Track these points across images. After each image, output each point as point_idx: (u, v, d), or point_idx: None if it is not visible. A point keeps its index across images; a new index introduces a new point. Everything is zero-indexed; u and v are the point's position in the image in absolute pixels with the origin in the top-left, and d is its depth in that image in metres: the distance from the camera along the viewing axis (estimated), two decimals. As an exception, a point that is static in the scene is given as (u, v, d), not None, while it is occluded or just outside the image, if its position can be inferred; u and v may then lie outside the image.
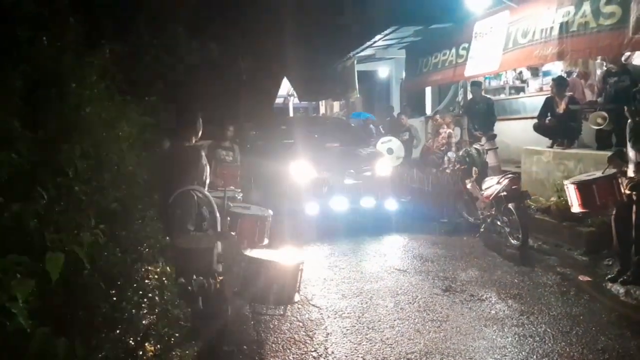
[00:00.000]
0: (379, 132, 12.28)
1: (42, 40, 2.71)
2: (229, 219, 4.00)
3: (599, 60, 8.11)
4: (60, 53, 2.82)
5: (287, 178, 7.64)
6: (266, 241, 4.24)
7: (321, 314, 4.52)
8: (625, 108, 5.22)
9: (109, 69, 3.51)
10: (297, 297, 3.48)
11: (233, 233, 3.57)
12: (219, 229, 3.49)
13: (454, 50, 9.67)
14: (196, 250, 3.15)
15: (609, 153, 6.44)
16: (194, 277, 2.91)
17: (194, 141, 4.81)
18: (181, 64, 8.33)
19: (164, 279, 3.22)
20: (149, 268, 2.89)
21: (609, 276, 5.06)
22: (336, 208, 7.43)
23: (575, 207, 5.17)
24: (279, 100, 21.18)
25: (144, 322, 2.65)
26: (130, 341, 2.37)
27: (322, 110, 21.87)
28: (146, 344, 2.54)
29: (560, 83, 7.69)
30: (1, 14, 2.50)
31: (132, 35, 6.30)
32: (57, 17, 2.89)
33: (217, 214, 3.52)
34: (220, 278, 3.06)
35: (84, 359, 1.81)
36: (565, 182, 5.43)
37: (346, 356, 3.71)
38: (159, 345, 3.12)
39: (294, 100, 21.57)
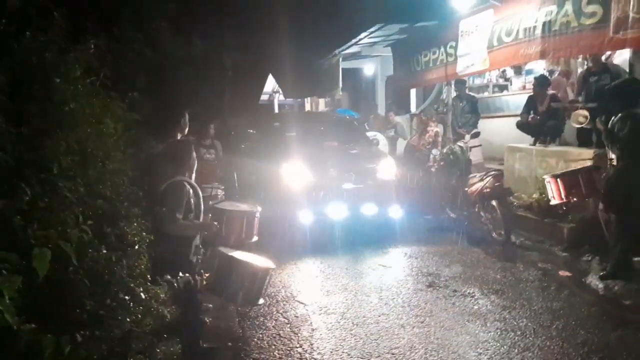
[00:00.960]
0: (364, 129, 12.32)
1: (26, 35, 2.68)
2: (210, 215, 4.05)
3: (580, 59, 8.24)
4: (44, 48, 2.79)
5: (279, 181, 6.91)
6: (255, 238, 4.26)
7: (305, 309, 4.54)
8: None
9: (94, 64, 3.47)
10: (261, 300, 3.48)
11: (216, 222, 3.63)
12: (201, 219, 3.59)
13: (442, 49, 9.72)
14: (177, 239, 3.20)
15: (589, 151, 6.59)
16: (180, 274, 2.93)
17: (179, 137, 4.84)
18: (165, 60, 8.27)
19: (148, 275, 3.23)
20: (134, 265, 2.88)
21: (601, 273, 5.13)
22: (333, 216, 6.62)
23: (555, 200, 5.38)
24: (264, 97, 21.10)
25: (128, 319, 2.65)
26: (116, 338, 2.37)
27: (307, 107, 21.86)
28: (131, 341, 2.53)
29: (542, 82, 7.81)
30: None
31: (115, 30, 6.24)
32: (40, 12, 2.86)
33: (202, 207, 3.61)
34: (207, 275, 3.08)
35: (70, 355, 1.81)
36: (545, 176, 5.63)
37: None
38: (145, 343, 3.12)
39: (279, 97, 21.51)
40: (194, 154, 3.69)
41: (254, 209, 4.37)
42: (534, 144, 7.76)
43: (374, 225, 6.90)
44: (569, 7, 6.35)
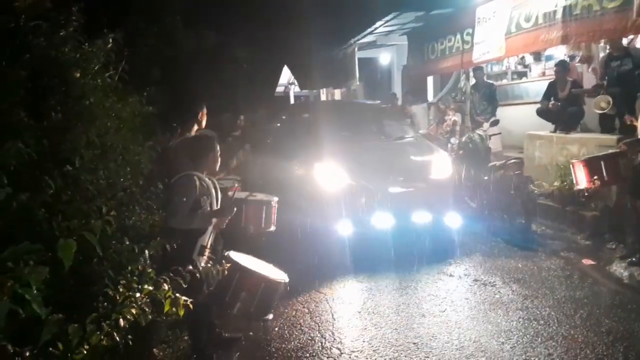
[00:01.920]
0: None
1: (45, 29, 2.70)
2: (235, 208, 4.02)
3: (602, 44, 8.05)
4: (63, 43, 2.82)
5: (311, 185, 5.82)
6: (273, 228, 4.28)
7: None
8: None
9: (112, 59, 3.50)
10: (270, 316, 3.37)
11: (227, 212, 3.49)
12: (213, 220, 3.43)
13: (459, 36, 9.58)
14: (181, 234, 3.10)
15: (612, 137, 6.45)
16: (202, 264, 2.94)
17: (194, 131, 4.85)
18: (180, 54, 8.31)
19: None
20: (156, 256, 2.91)
21: (627, 260, 5.05)
22: (378, 227, 5.50)
23: (581, 185, 5.34)
24: (279, 89, 21.11)
25: (150, 309, 2.68)
26: (141, 328, 2.40)
27: (323, 98, 21.80)
28: (155, 331, 2.57)
29: (563, 67, 7.66)
30: (4, 4, 2.49)
31: (130, 24, 6.28)
32: (59, 7, 2.88)
33: (216, 205, 3.49)
34: (228, 265, 3.09)
35: (95, 344, 1.83)
36: (574, 160, 5.59)
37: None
38: (168, 332, 3.16)
39: (294, 89, 21.50)
40: (216, 151, 3.58)
41: (271, 198, 4.38)
42: (555, 131, 7.62)
43: (428, 236, 5.77)
44: (590, -11, 6.19)
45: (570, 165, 5.63)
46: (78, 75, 2.86)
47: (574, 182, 5.60)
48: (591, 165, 5.28)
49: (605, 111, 6.72)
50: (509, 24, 7.87)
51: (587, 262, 5.30)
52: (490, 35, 8.37)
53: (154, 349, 3.05)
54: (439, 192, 5.89)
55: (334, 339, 3.78)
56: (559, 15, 6.73)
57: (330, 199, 5.59)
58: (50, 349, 1.77)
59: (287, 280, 3.40)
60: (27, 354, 1.67)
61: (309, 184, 5.84)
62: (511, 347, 3.55)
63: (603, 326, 3.81)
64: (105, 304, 2.24)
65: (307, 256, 5.38)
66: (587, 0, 6.24)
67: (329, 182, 5.68)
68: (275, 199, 4.43)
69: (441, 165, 6.18)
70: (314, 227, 5.64)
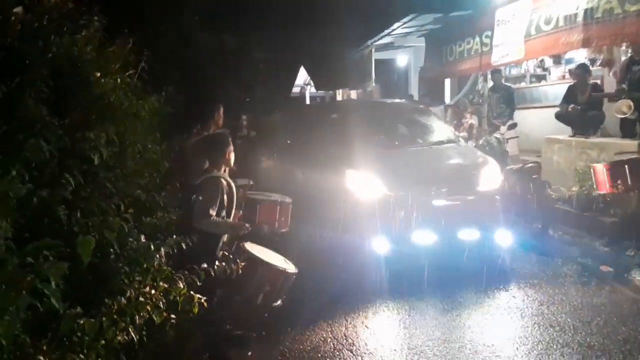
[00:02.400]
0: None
1: (68, 29, 2.75)
2: (242, 208, 4.09)
3: (623, 48, 7.93)
4: (85, 43, 2.87)
5: (341, 195, 5.16)
6: (287, 229, 4.31)
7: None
8: None
9: (131, 59, 3.56)
10: (279, 302, 3.47)
11: (247, 225, 3.62)
12: (231, 218, 3.59)
13: (477, 39, 9.52)
14: (207, 234, 3.23)
15: (633, 142, 6.35)
16: (217, 263, 2.97)
17: (214, 131, 4.91)
18: (198, 55, 8.39)
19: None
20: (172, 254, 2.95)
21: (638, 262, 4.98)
22: (419, 245, 4.83)
23: (604, 188, 5.27)
24: (295, 90, 21.16)
25: (165, 307, 2.71)
26: (155, 324, 2.43)
27: (339, 99, 21.81)
28: (169, 327, 2.60)
29: (584, 70, 7.57)
30: (28, 4, 2.55)
31: (148, 26, 6.37)
32: (80, 7, 2.94)
33: (234, 204, 3.62)
34: (243, 264, 3.12)
35: (112, 339, 1.86)
36: (597, 164, 5.52)
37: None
38: (183, 329, 3.19)
39: (310, 90, 21.53)
40: (231, 146, 3.70)
41: (286, 199, 4.40)
42: (574, 136, 7.52)
43: (475, 257, 5.04)
44: (611, -8, 6.11)
45: (591, 169, 5.55)
46: (98, 74, 2.91)
47: (595, 186, 5.52)
48: (615, 169, 5.21)
49: (626, 115, 6.61)
50: (528, 26, 7.80)
51: (605, 268, 5.21)
52: (510, 37, 8.30)
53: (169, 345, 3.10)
54: (488, 206, 5.17)
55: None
56: (579, 18, 6.64)
57: (364, 212, 4.91)
58: (67, 342, 1.80)
59: (296, 271, 3.56)
60: (45, 347, 1.71)
61: (340, 194, 5.15)
62: (526, 354, 3.51)
63: (620, 334, 3.74)
64: (122, 300, 2.27)
65: (337, 276, 4.77)
66: (609, 3, 6.15)
67: (362, 193, 5.04)
68: (289, 199, 4.44)
69: (490, 174, 5.41)
70: (346, 243, 4.98)
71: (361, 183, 5.10)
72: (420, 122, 6.74)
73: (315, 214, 5.26)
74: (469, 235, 4.92)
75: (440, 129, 6.59)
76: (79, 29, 2.88)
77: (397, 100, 9.35)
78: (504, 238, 5.18)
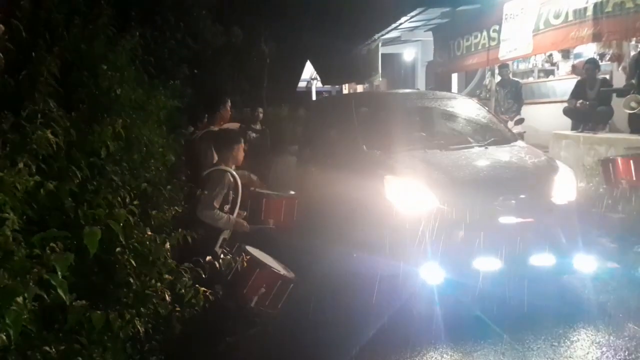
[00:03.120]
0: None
1: (76, 23, 2.76)
2: (249, 201, 4.10)
3: (633, 42, 7.85)
4: (93, 36, 2.88)
5: (379, 208, 4.17)
6: (294, 223, 4.31)
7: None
8: None
9: (139, 52, 3.57)
10: (275, 311, 3.37)
11: (248, 225, 3.62)
12: (235, 215, 3.60)
13: (485, 33, 9.45)
14: (208, 227, 3.24)
15: (642, 137, 6.30)
16: (222, 255, 2.99)
17: (222, 125, 4.92)
18: (206, 48, 8.39)
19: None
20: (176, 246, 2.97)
21: None
22: (481, 273, 3.82)
23: (612, 182, 5.25)
24: (301, 84, 21.15)
25: (169, 299, 2.74)
26: (160, 317, 2.45)
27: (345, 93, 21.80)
28: (175, 320, 2.62)
29: (594, 65, 7.51)
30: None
31: (158, 19, 6.37)
32: (89, 1, 2.95)
33: (239, 200, 3.63)
34: (248, 257, 3.13)
35: (118, 332, 1.88)
36: (604, 158, 5.48)
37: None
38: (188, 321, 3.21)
39: (316, 84, 21.52)
40: (241, 144, 3.69)
41: (291, 194, 4.40)
42: (582, 131, 7.47)
43: (552, 288, 4.12)
44: (622, -14, 6.05)
45: (600, 164, 5.52)
46: (106, 67, 2.92)
47: (603, 181, 5.49)
48: (625, 164, 5.19)
49: (635, 111, 6.55)
50: (537, 20, 7.73)
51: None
52: (518, 32, 8.23)
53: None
54: (566, 223, 4.22)
55: None
56: (589, 12, 6.58)
57: (409, 230, 3.88)
58: (74, 334, 1.82)
59: (294, 277, 3.46)
60: (52, 338, 1.73)
61: (377, 206, 4.17)
62: (531, 349, 3.46)
63: (626, 330, 3.72)
64: (128, 292, 2.30)
65: (372, 312, 3.75)
66: (620, -3, 6.09)
67: (407, 205, 4.04)
68: (294, 194, 4.45)
69: (565, 183, 4.43)
70: (385, 269, 3.95)
71: (405, 193, 4.09)
72: (468, 116, 5.55)
73: (343, 229, 4.38)
74: (543, 260, 3.94)
75: (493, 125, 5.40)
76: (87, 22, 2.89)
77: (438, 92, 7.70)
78: (585, 263, 4.12)
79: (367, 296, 3.90)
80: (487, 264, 3.83)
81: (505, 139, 5.12)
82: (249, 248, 3.40)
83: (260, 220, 3.99)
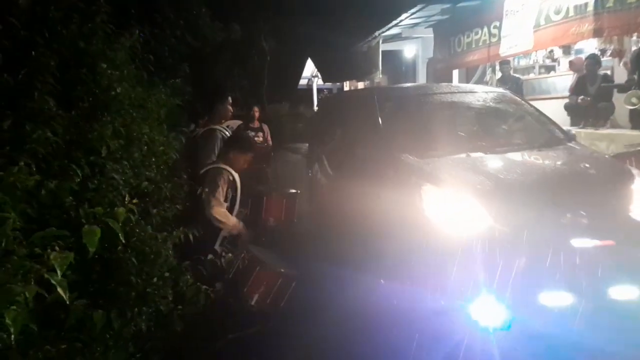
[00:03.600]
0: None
1: (74, 20, 2.75)
2: (250, 200, 4.09)
3: (634, 38, 7.83)
4: (92, 33, 2.87)
5: (413, 226, 3.36)
6: (294, 221, 4.31)
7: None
8: None
9: (138, 50, 3.56)
10: (277, 309, 3.27)
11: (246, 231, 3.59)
12: (234, 214, 3.60)
13: (486, 29, 9.44)
14: (208, 225, 3.23)
15: (643, 133, 6.27)
16: (223, 254, 2.99)
17: (223, 123, 4.91)
18: (206, 45, 8.37)
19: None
20: (177, 244, 2.96)
21: None
22: (550, 311, 2.98)
23: None
24: (302, 82, 21.13)
25: (172, 298, 2.74)
26: (161, 315, 2.45)
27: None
28: (176, 318, 2.61)
29: (594, 61, 7.48)
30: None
31: (157, 16, 6.35)
32: (87, -2, 2.93)
33: (238, 199, 3.63)
34: (249, 256, 3.13)
35: (119, 330, 1.87)
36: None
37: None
38: (190, 319, 3.21)
39: (317, 82, 21.50)
40: (249, 154, 3.68)
41: (292, 191, 4.40)
42: (583, 127, 7.45)
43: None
44: (623, -19, 6.03)
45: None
46: (105, 66, 2.90)
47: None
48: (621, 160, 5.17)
49: (635, 107, 6.53)
50: (537, 16, 7.71)
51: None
52: (519, 28, 8.21)
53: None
54: None
55: None
56: (590, 7, 6.57)
57: (455, 254, 3.01)
58: (76, 333, 1.82)
59: (296, 275, 3.37)
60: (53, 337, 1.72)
61: (411, 224, 3.34)
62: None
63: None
64: (130, 291, 2.29)
65: None
66: (621, -8, 6.07)
67: (451, 222, 3.22)
68: (296, 191, 4.43)
69: None
70: (424, 303, 3.06)
71: (449, 206, 3.27)
72: (510, 112, 4.75)
73: (369, 249, 3.53)
74: (627, 293, 3.03)
75: (541, 123, 4.60)
76: (85, 20, 2.87)
77: (474, 84, 6.71)
78: None
79: (402, 334, 2.95)
80: (558, 300, 2.98)
81: (557, 138, 4.36)
82: (251, 246, 3.39)
83: (261, 220, 3.98)
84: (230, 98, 5.08)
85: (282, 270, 3.30)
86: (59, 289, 1.40)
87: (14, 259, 1.45)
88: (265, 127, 7.73)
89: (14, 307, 1.31)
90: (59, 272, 1.42)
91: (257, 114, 7.71)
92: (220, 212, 3.43)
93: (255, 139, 7.13)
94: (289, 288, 3.33)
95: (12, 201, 1.83)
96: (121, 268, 2.27)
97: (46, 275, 1.41)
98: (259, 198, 4.07)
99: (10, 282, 1.37)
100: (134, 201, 2.04)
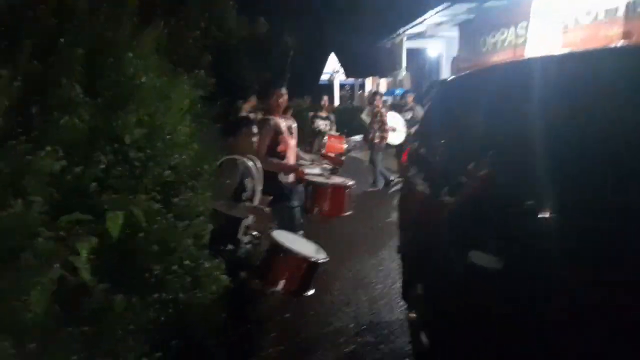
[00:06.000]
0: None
1: (102, 9, 2.79)
2: (310, 188, 4.04)
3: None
4: (118, 23, 2.91)
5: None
6: (347, 212, 4.24)
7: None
8: None
9: (163, 41, 3.59)
10: (310, 292, 3.28)
11: (267, 209, 3.54)
12: (256, 202, 3.52)
13: (512, 29, 9.29)
14: (227, 216, 3.19)
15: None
16: (241, 245, 3.00)
17: (245, 113, 4.89)
18: (231, 38, 8.41)
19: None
20: (200, 234, 2.99)
21: None
22: None
23: None
24: (324, 77, 21.12)
25: (187, 285, 2.76)
26: (180, 302, 2.48)
27: (368, 87, 21.67)
28: (194, 307, 2.64)
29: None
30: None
31: (182, 8, 6.39)
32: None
33: (259, 188, 3.56)
34: (272, 244, 3.12)
35: (140, 314, 1.91)
36: None
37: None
38: (207, 309, 3.25)
39: (339, 77, 21.47)
40: (247, 133, 3.59)
41: (347, 182, 4.29)
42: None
43: None
44: (656, -16, 5.88)
45: None
46: (131, 55, 2.94)
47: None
48: None
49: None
50: (566, 18, 7.57)
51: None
52: (546, 29, 8.07)
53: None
54: None
55: None
56: (621, 12, 6.43)
57: None
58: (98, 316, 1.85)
59: (327, 258, 3.42)
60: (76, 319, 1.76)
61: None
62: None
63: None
64: (150, 277, 2.32)
65: None
66: (654, -5, 5.93)
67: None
68: (351, 182, 4.34)
69: None
70: None
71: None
72: None
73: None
74: None
75: None
76: (113, 9, 2.92)
77: None
78: None
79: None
80: None
81: None
82: (275, 232, 3.37)
83: (306, 209, 4.00)
84: (283, 89, 4.45)
85: (306, 254, 3.28)
86: (82, 272, 1.43)
87: (39, 240, 1.49)
88: (332, 116, 7.84)
89: (39, 287, 1.34)
90: (83, 255, 1.44)
91: (326, 104, 7.83)
92: (223, 206, 3.35)
93: (323, 127, 7.22)
94: (315, 272, 3.32)
95: (38, 185, 1.87)
96: (143, 255, 2.31)
97: (70, 259, 1.43)
98: (314, 189, 4.05)
99: (35, 264, 1.41)
100: (157, 188, 2.07)
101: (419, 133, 3.94)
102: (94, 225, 1.90)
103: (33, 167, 1.86)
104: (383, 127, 8.18)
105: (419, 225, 3.13)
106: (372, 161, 8.44)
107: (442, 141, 3.16)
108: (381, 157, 8.37)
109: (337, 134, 7.19)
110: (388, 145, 8.42)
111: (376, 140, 8.21)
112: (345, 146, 6.52)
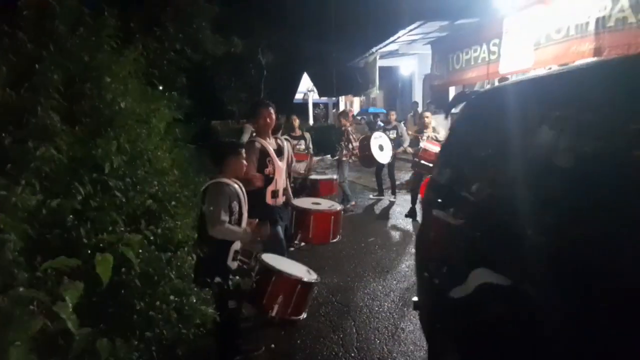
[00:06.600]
0: (379, 127, 11.97)
1: (80, 34, 2.68)
2: (294, 213, 3.97)
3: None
4: (97, 47, 2.80)
5: None
6: (334, 239, 4.20)
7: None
8: None
9: (142, 64, 3.49)
10: (302, 315, 3.33)
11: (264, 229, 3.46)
12: (243, 224, 3.44)
13: (485, 47, 9.46)
14: (217, 242, 3.09)
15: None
16: (231, 276, 2.89)
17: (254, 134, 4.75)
18: (206, 59, 8.33)
19: (192, 275, 3.20)
20: (183, 266, 2.86)
21: None
22: None
23: None
24: (298, 96, 21.15)
25: (174, 321, 2.62)
26: (165, 340, 2.34)
27: (342, 106, 21.77)
28: (179, 344, 2.50)
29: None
30: (41, 8, 2.47)
31: (158, 29, 6.30)
32: (93, 12, 2.87)
33: (245, 210, 3.48)
34: (257, 276, 3.03)
35: (125, 357, 1.77)
36: None
37: None
38: (194, 345, 3.10)
39: (313, 96, 21.54)
40: (238, 158, 3.53)
41: (334, 207, 4.27)
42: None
43: None
44: (624, 2, 6.04)
45: None
46: (109, 79, 2.83)
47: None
48: None
49: None
50: (538, 35, 7.74)
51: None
52: (518, 46, 8.24)
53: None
54: None
55: None
56: (591, 27, 6.58)
57: None
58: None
59: (318, 279, 3.35)
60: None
61: None
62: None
63: None
64: (132, 314, 2.19)
65: None
66: (622, 12, 6.09)
67: None
68: (339, 207, 4.34)
69: None
70: None
71: None
72: None
73: None
74: None
75: None
76: (91, 33, 2.81)
77: None
78: None
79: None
80: None
81: None
82: (264, 256, 3.29)
83: (296, 234, 3.93)
84: (270, 107, 3.91)
85: (299, 276, 3.21)
86: (69, 323, 1.31)
87: (17, 290, 1.36)
88: (307, 135, 7.71)
89: (18, 342, 1.21)
90: (69, 304, 1.32)
91: (296, 122, 7.72)
92: (223, 229, 3.27)
93: (297, 147, 7.11)
94: (310, 293, 3.26)
95: (13, 222, 1.74)
96: (124, 291, 2.18)
97: (55, 309, 1.31)
98: (300, 215, 4.00)
99: (15, 315, 1.28)
100: (143, 221, 1.95)
101: (446, 157, 3.11)
102: (79, 266, 1.77)
103: (8, 203, 1.73)
104: (348, 145, 8.27)
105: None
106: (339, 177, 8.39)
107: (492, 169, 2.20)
108: (347, 172, 8.39)
109: (305, 152, 7.25)
110: (366, 163, 8.42)
111: (344, 159, 8.29)
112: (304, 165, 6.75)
